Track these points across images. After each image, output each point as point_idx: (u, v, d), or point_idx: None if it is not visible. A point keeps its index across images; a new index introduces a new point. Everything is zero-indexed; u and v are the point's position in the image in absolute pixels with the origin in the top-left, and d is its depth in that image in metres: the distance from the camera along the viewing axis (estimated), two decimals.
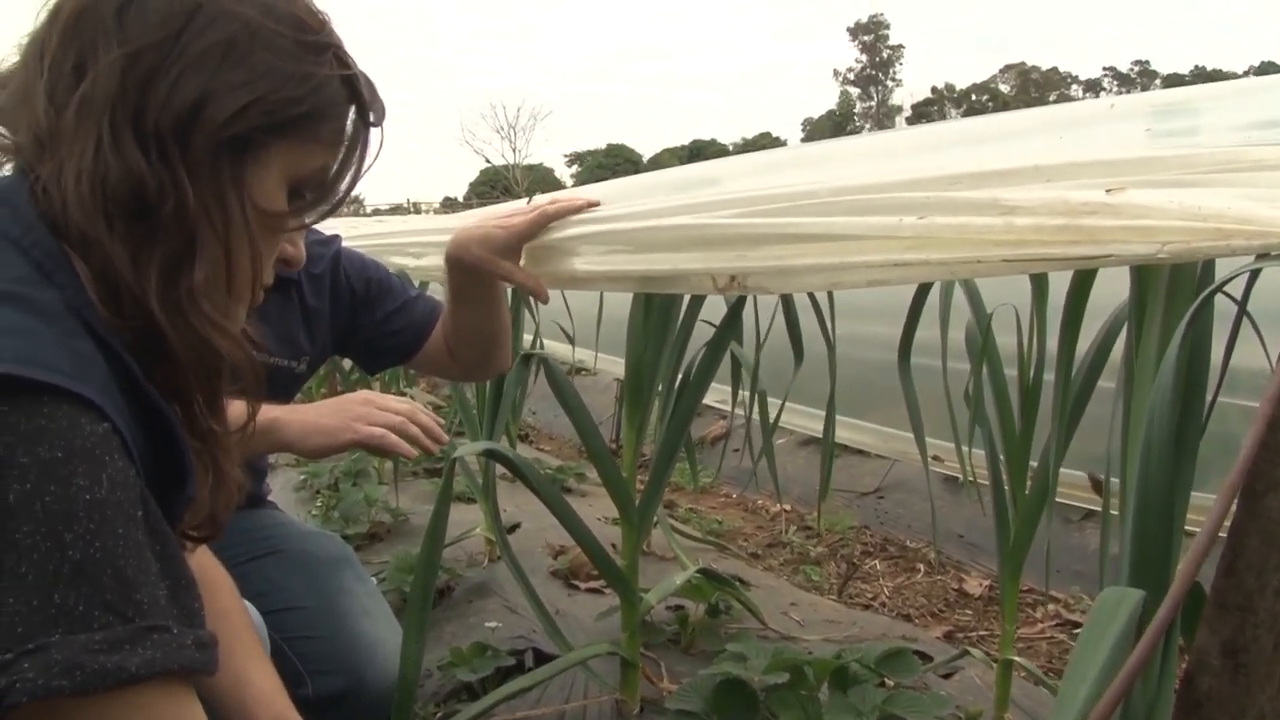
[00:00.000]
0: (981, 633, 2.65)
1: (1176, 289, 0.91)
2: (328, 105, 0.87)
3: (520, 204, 2.43)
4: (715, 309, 1.87)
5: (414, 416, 1.57)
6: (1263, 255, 0.77)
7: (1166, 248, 0.74)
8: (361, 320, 1.74)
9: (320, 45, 0.86)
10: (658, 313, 1.84)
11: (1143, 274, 0.97)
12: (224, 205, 0.82)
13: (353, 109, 0.90)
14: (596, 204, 1.44)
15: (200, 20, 0.80)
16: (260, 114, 0.82)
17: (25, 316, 0.72)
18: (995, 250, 0.85)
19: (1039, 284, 1.58)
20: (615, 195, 1.51)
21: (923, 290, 1.83)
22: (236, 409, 0.95)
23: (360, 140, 0.92)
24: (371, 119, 0.92)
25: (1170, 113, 0.99)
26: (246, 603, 1.28)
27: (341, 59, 0.88)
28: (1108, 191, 0.80)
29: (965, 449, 1.88)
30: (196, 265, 0.81)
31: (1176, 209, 0.75)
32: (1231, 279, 0.85)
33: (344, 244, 1.78)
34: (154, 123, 0.78)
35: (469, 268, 1.54)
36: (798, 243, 1.01)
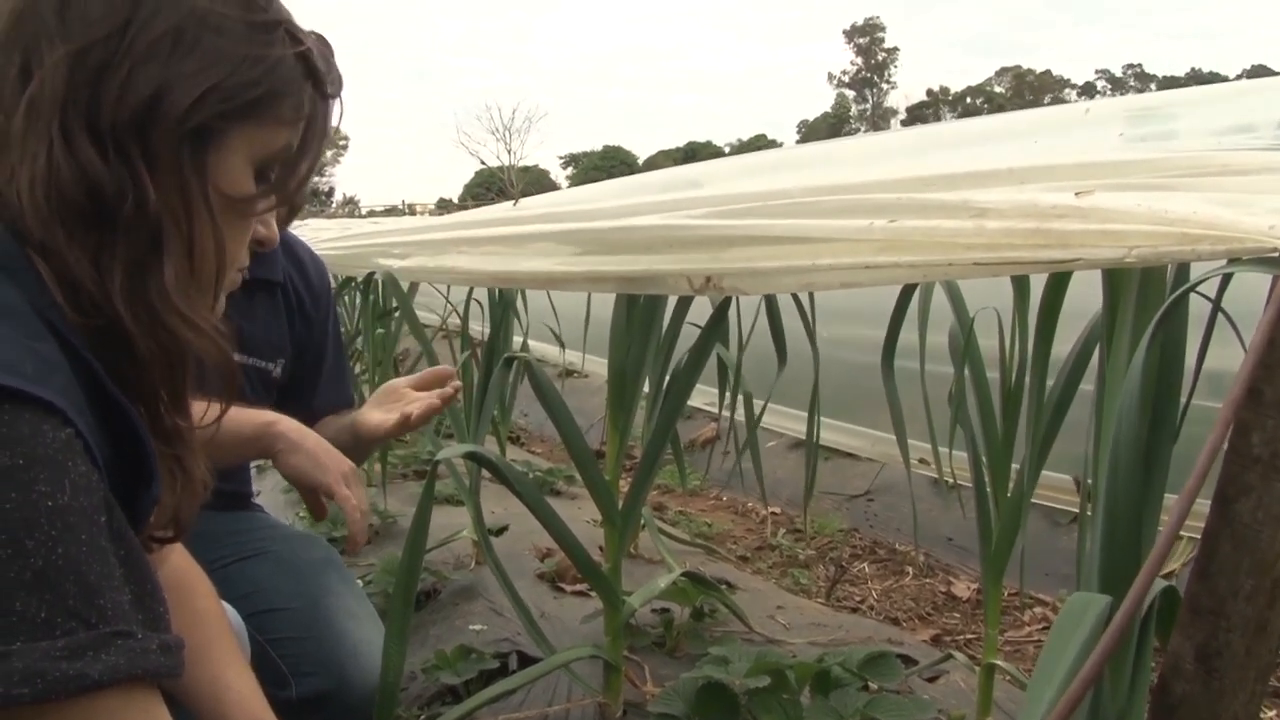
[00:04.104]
0: (969, 636, 2.65)
1: (1147, 292, 0.91)
2: (285, 84, 0.85)
3: (508, 206, 2.43)
4: (702, 311, 1.87)
5: (364, 521, 1.54)
6: (1234, 260, 0.77)
7: (1134, 252, 0.74)
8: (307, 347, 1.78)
9: (270, 23, 0.84)
10: (640, 315, 1.84)
11: (1114, 278, 0.97)
12: (187, 198, 0.81)
13: (310, 84, 0.88)
14: (457, 388, 1.47)
15: (145, 10, 0.78)
16: (217, 102, 0.80)
17: None
18: (966, 253, 0.85)
19: (1020, 287, 1.58)
20: (600, 197, 1.50)
21: (906, 293, 1.83)
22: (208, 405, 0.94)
23: (320, 113, 0.90)
24: (329, 90, 0.90)
25: (1145, 117, 0.99)
26: (226, 605, 1.27)
27: (293, 34, 0.86)
28: (1076, 195, 0.80)
29: (947, 451, 1.88)
30: (165, 263, 0.80)
31: (1144, 213, 0.75)
32: (1203, 281, 0.85)
33: (324, 245, 1.80)
34: (110, 120, 0.77)
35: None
36: (770, 244, 1.01)
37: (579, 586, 2.53)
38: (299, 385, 1.79)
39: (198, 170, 0.81)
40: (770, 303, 2.11)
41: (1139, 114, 1.01)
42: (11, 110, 0.77)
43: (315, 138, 0.90)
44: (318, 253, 1.88)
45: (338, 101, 0.92)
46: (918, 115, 71.27)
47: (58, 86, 0.76)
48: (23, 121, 0.76)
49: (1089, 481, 1.11)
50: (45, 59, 0.76)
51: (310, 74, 0.88)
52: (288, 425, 1.49)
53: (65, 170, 0.75)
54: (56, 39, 0.77)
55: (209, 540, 1.32)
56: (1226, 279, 0.92)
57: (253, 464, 2.12)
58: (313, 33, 0.90)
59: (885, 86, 79.22)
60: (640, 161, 64.00)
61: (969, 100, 71.50)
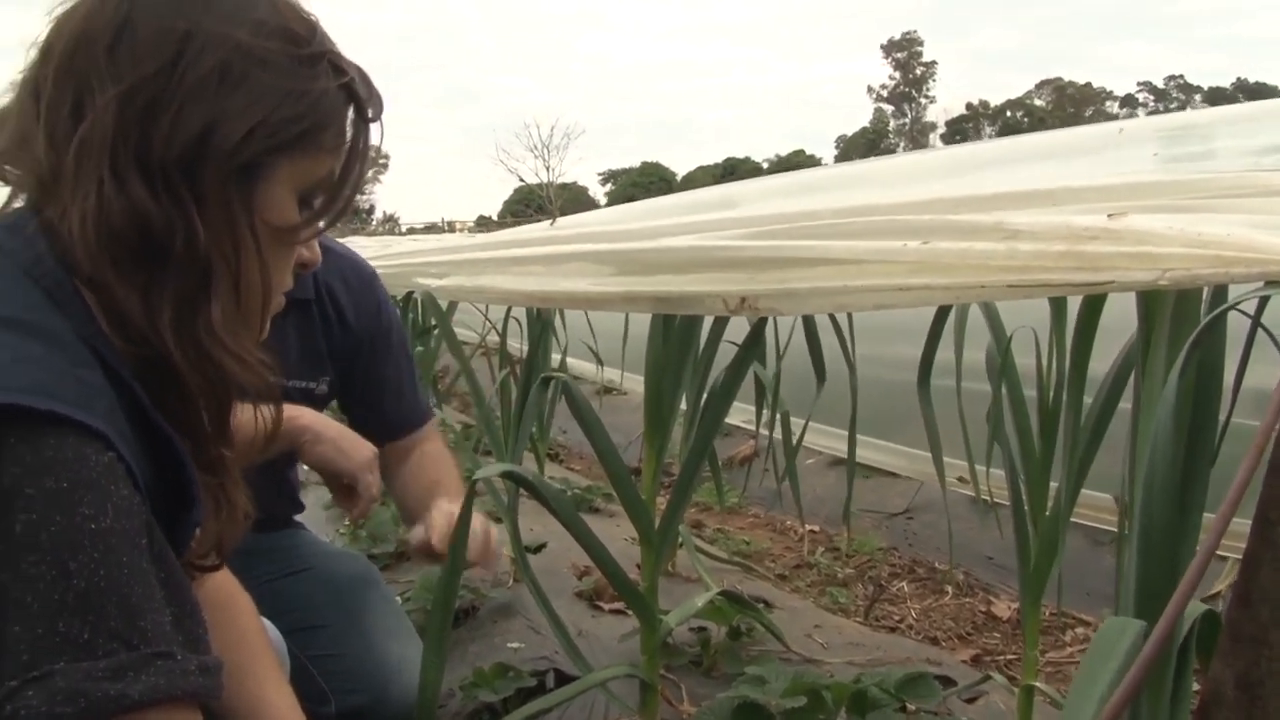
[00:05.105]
0: (1009, 656, 2.62)
1: (1183, 313, 0.91)
2: (329, 115, 0.86)
3: (545, 225, 2.45)
4: (739, 329, 1.88)
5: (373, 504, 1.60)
6: (1273, 282, 0.76)
7: (1167, 275, 0.73)
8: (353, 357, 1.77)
9: (314, 56, 0.85)
10: (678, 333, 1.85)
11: (1149, 299, 0.96)
12: (234, 231, 0.82)
13: (351, 109, 0.89)
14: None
15: (192, 48, 0.79)
16: (264, 137, 0.82)
17: (35, 344, 0.74)
18: (998, 275, 0.85)
19: (1058, 306, 1.57)
20: (635, 217, 1.51)
21: (942, 312, 1.82)
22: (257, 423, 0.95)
23: (362, 138, 0.91)
24: (370, 115, 0.91)
25: (1179, 137, 0.99)
26: (267, 622, 1.29)
27: (336, 65, 0.87)
28: (1110, 217, 0.80)
29: (985, 470, 1.87)
30: (213, 299, 0.81)
31: (1177, 235, 0.74)
32: (1240, 302, 0.84)
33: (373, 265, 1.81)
34: (159, 158, 0.78)
35: None
36: (803, 266, 1.02)
37: (616, 605, 2.53)
38: (358, 398, 1.80)
39: (245, 205, 0.83)
40: (808, 322, 2.11)
41: (1173, 133, 1.01)
42: (64, 147, 0.78)
43: (357, 162, 0.91)
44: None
45: (378, 124, 0.93)
46: (957, 129, 70.76)
47: (108, 125, 0.77)
48: (74, 159, 0.78)
49: (1126, 500, 1.10)
50: (97, 98, 0.78)
51: (352, 100, 0.89)
52: (312, 418, 1.53)
53: (116, 208, 0.77)
54: (107, 78, 0.78)
55: (251, 558, 1.34)
56: (1263, 301, 0.91)
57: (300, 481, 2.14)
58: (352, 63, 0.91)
59: (924, 101, 78.81)
60: (679, 178, 63.99)
61: (1009, 114, 70.85)
